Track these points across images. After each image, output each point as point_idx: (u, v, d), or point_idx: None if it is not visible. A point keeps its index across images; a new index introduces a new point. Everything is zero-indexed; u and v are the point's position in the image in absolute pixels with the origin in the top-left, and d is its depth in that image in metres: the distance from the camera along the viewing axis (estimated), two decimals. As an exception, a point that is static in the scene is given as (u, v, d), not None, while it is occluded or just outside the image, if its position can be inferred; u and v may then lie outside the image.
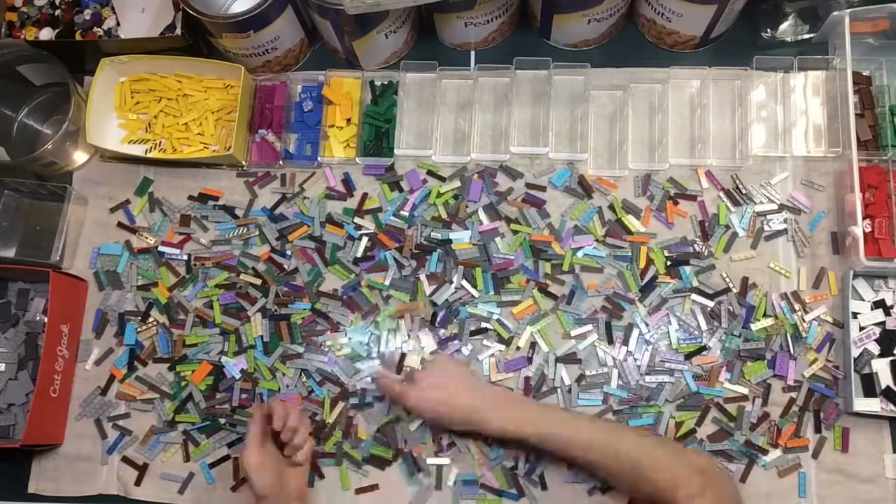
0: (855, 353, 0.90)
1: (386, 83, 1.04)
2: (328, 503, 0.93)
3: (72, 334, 0.98)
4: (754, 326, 0.93)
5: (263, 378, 0.96)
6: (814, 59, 0.99)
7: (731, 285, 0.94)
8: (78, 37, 1.02)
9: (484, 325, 0.94)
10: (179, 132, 1.04)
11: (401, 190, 1.01)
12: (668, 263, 0.95)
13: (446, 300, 0.95)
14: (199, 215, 1.02)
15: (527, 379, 0.93)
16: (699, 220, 0.97)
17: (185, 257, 1.01)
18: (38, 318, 0.99)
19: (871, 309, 0.92)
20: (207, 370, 0.96)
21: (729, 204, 0.97)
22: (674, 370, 0.92)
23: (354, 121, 1.02)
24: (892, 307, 0.91)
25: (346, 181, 1.02)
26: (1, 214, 1.03)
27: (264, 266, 0.99)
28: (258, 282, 0.99)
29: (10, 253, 1.03)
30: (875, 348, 0.91)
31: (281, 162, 1.02)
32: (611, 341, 0.93)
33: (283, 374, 0.96)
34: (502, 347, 0.94)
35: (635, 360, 0.93)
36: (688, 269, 0.95)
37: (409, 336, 0.95)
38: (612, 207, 0.98)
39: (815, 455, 0.89)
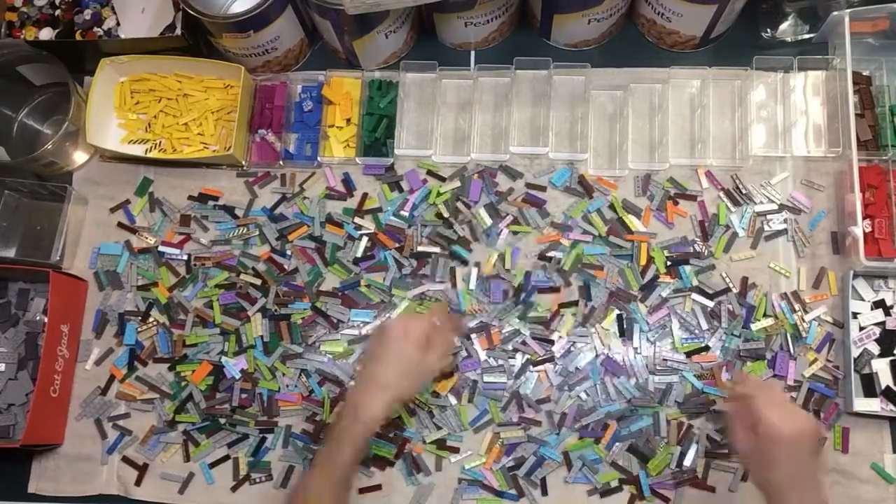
0: (855, 353, 0.90)
1: (386, 82, 1.04)
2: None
3: (72, 334, 0.98)
4: (754, 326, 0.93)
5: (263, 378, 0.96)
6: (814, 59, 0.99)
7: (731, 285, 0.94)
8: (78, 37, 1.02)
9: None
10: (179, 132, 1.04)
11: (401, 190, 1.01)
12: (669, 263, 0.95)
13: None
14: (199, 215, 1.02)
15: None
16: (699, 220, 0.97)
17: (185, 257, 1.01)
18: (38, 318, 0.99)
19: (871, 309, 0.92)
20: (207, 370, 0.96)
21: (729, 204, 0.97)
22: (678, 370, 0.92)
23: (354, 121, 1.02)
24: (892, 307, 0.91)
25: (346, 181, 1.02)
26: (1, 214, 1.03)
27: (264, 266, 0.99)
28: (258, 282, 0.99)
29: (10, 253, 1.03)
30: (875, 348, 0.91)
31: (281, 162, 1.02)
32: (622, 333, 0.94)
33: (283, 374, 0.96)
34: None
35: (644, 357, 0.93)
36: (688, 268, 0.95)
37: None
38: (612, 207, 0.98)
39: (815, 455, 0.89)
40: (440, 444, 0.92)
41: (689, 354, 0.92)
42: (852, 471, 0.89)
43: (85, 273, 1.02)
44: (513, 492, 0.90)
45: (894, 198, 0.93)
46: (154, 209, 1.04)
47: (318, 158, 1.02)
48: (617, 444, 0.90)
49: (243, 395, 0.95)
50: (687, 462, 0.89)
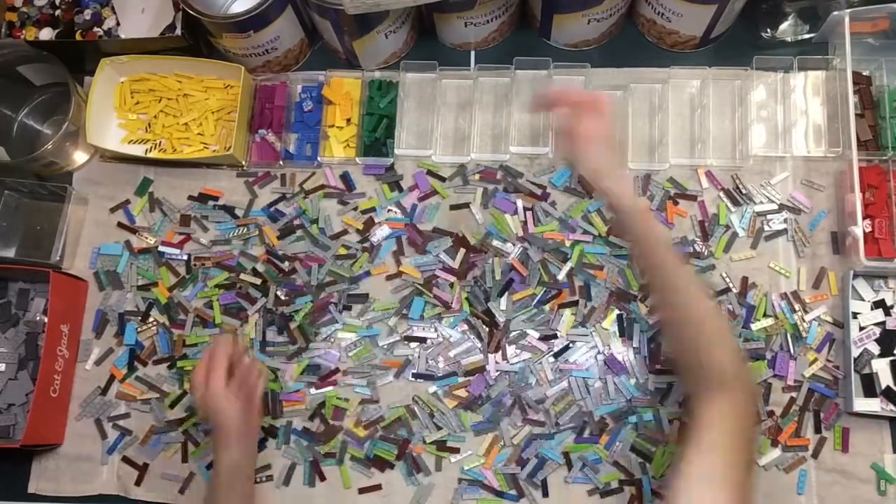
0: (855, 353, 0.90)
1: (386, 82, 1.04)
2: (329, 503, 0.93)
3: (72, 334, 0.98)
4: (754, 326, 0.93)
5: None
6: (814, 59, 0.99)
7: (731, 285, 0.94)
8: (78, 37, 1.02)
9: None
10: (179, 132, 1.04)
11: (400, 190, 1.01)
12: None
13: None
14: (199, 215, 1.02)
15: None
16: (699, 220, 0.97)
17: (185, 257, 1.01)
18: (38, 318, 0.99)
19: (871, 309, 0.92)
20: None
21: (729, 204, 0.97)
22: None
23: (354, 121, 1.02)
24: (892, 307, 0.91)
25: (347, 181, 1.02)
26: (1, 214, 1.03)
27: (264, 267, 0.99)
28: (258, 281, 0.99)
29: (10, 253, 1.03)
30: (875, 348, 0.91)
31: (281, 162, 1.02)
32: (622, 333, 0.94)
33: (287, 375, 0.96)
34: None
35: (644, 358, 0.93)
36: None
37: None
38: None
39: (815, 455, 0.89)
40: (440, 444, 0.92)
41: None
42: (852, 471, 0.89)
43: (85, 273, 1.02)
44: (513, 492, 0.90)
45: (894, 198, 0.93)
46: (154, 209, 1.04)
47: (318, 158, 1.02)
48: (618, 442, 0.90)
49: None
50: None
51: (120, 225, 1.03)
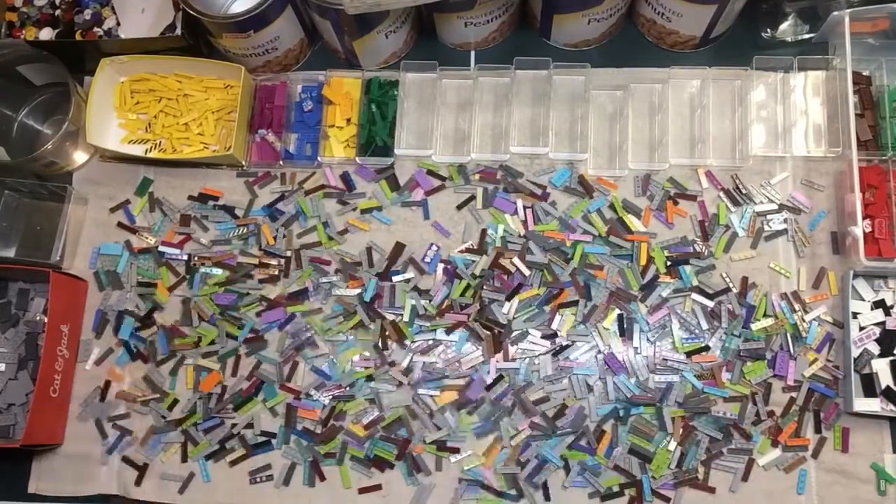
0: (855, 353, 0.90)
1: (386, 82, 1.04)
2: (329, 503, 0.93)
3: (72, 334, 0.98)
4: (754, 326, 0.93)
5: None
6: (814, 59, 0.99)
7: (731, 285, 0.94)
8: (78, 37, 1.02)
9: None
10: (179, 132, 1.04)
11: (400, 189, 1.01)
12: (669, 263, 0.95)
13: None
14: (199, 215, 1.02)
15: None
16: (699, 220, 0.97)
17: (185, 257, 1.01)
18: (38, 318, 0.99)
19: (871, 309, 0.92)
20: (217, 380, 0.96)
21: (729, 204, 0.97)
22: (678, 370, 0.92)
23: (354, 121, 1.02)
24: (892, 307, 0.91)
25: (347, 181, 1.02)
26: (1, 214, 1.03)
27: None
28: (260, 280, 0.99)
29: (10, 253, 1.03)
30: (875, 348, 0.91)
31: (281, 162, 1.02)
32: (622, 333, 0.94)
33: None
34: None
35: (644, 357, 0.93)
36: (688, 268, 0.95)
37: None
38: (612, 207, 0.98)
39: (815, 455, 0.89)
40: (440, 444, 0.92)
41: (689, 354, 0.92)
42: (852, 471, 0.89)
43: (85, 273, 1.02)
44: (513, 492, 0.90)
45: (894, 198, 0.93)
46: (154, 209, 1.04)
47: (318, 158, 1.02)
48: (618, 447, 0.90)
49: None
50: (687, 462, 0.89)
51: (120, 225, 1.03)
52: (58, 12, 1.04)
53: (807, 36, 1.01)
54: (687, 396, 0.91)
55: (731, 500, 0.89)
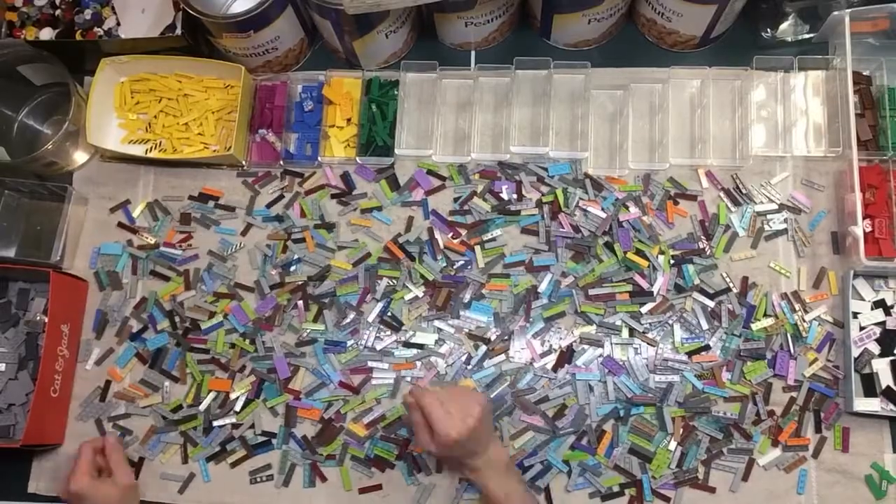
0: (855, 352, 0.90)
1: (386, 82, 1.04)
2: (329, 503, 0.93)
3: (72, 334, 0.98)
4: (754, 326, 0.93)
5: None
6: (814, 59, 0.99)
7: (731, 285, 0.94)
8: (78, 37, 1.02)
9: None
10: (179, 132, 1.04)
11: (400, 189, 1.01)
12: (672, 262, 0.95)
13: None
14: (198, 215, 1.02)
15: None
16: (699, 220, 0.97)
17: (190, 256, 1.01)
18: (38, 318, 0.99)
19: (872, 309, 0.92)
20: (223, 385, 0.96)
21: (729, 204, 0.97)
22: (678, 369, 0.92)
23: (354, 121, 1.02)
24: (892, 307, 0.91)
25: (347, 181, 1.02)
26: (1, 214, 1.03)
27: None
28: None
29: (10, 253, 1.03)
30: (875, 348, 0.91)
31: (281, 162, 1.02)
32: (631, 333, 0.94)
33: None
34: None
35: (644, 357, 0.93)
36: (691, 267, 0.95)
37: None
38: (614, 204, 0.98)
39: (816, 455, 0.89)
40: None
41: (689, 354, 0.92)
42: (852, 471, 0.89)
43: (85, 273, 1.02)
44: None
45: (894, 198, 0.93)
46: (154, 209, 1.04)
47: (319, 158, 1.02)
48: (619, 446, 0.90)
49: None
50: (687, 462, 0.89)
51: (120, 225, 1.03)
52: (58, 12, 1.04)
53: (807, 36, 1.01)
54: (687, 396, 0.91)
55: (731, 500, 0.89)
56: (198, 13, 0.93)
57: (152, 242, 1.02)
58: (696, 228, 0.97)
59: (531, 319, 0.95)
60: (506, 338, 0.94)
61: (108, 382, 0.98)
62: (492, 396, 0.93)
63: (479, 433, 0.77)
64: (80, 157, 1.06)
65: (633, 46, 1.04)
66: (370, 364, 0.95)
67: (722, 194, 0.98)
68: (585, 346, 0.94)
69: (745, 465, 0.89)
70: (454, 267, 0.97)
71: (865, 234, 0.91)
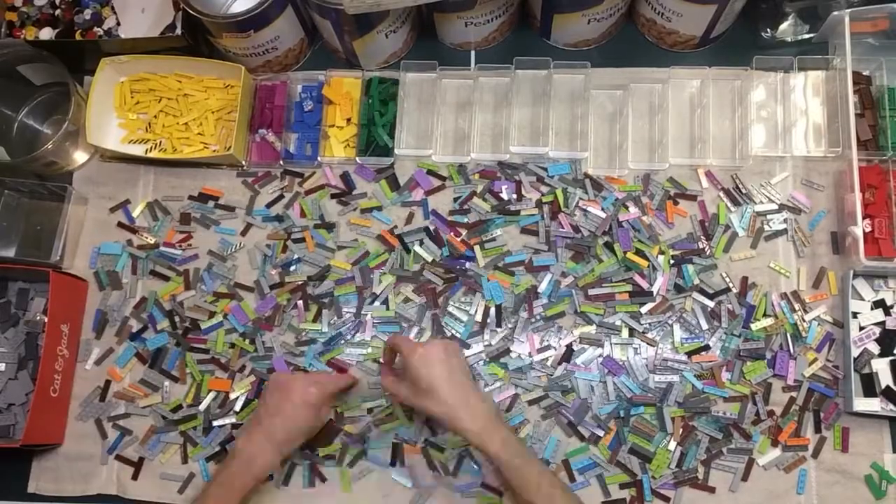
0: (855, 352, 0.90)
1: (386, 82, 1.04)
2: (329, 502, 0.93)
3: (72, 334, 0.98)
4: (754, 326, 0.93)
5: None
6: (814, 59, 0.99)
7: (731, 285, 0.94)
8: (78, 37, 1.02)
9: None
10: (179, 132, 1.04)
11: (400, 189, 1.01)
12: (672, 262, 0.95)
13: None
14: (198, 215, 1.02)
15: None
16: (699, 220, 0.97)
17: (192, 255, 1.01)
18: (38, 317, 0.99)
19: (871, 309, 0.92)
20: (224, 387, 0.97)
21: (729, 204, 0.97)
22: (678, 369, 0.92)
23: (354, 121, 1.02)
24: (892, 307, 0.91)
25: (347, 181, 1.02)
26: (1, 214, 1.03)
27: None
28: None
29: (10, 253, 1.03)
30: (875, 348, 0.91)
31: (281, 162, 1.02)
32: (631, 333, 0.94)
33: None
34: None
35: (644, 358, 0.93)
36: (691, 268, 0.95)
37: None
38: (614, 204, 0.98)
39: (815, 455, 0.89)
40: (440, 444, 0.92)
41: (689, 354, 0.92)
42: (852, 471, 0.89)
43: (85, 273, 1.02)
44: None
45: (894, 198, 0.93)
46: (154, 209, 1.04)
47: (319, 158, 1.02)
48: (621, 444, 0.90)
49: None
50: (687, 462, 0.89)
51: (120, 225, 1.03)
52: (58, 12, 1.04)
53: (807, 36, 1.01)
54: (687, 396, 0.91)
55: (731, 500, 0.89)
56: (198, 13, 0.93)
57: (152, 242, 1.02)
58: (696, 228, 0.97)
59: (535, 317, 0.95)
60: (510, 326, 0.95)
61: (107, 382, 0.98)
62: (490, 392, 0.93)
63: (454, 373, 0.78)
64: (79, 156, 1.06)
65: (633, 46, 1.04)
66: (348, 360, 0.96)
67: (722, 194, 0.98)
68: (585, 346, 0.94)
69: (745, 465, 0.89)
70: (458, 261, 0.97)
71: (865, 234, 0.91)
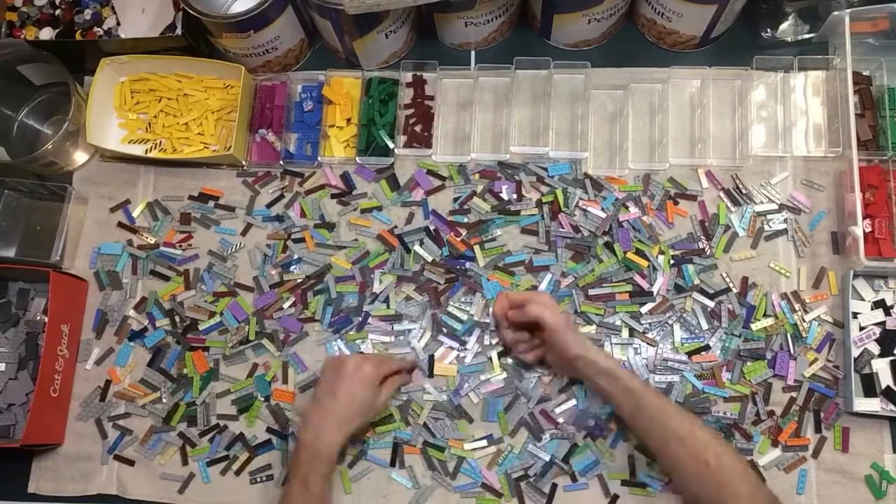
0: (855, 353, 0.90)
1: (386, 82, 1.04)
2: None
3: (72, 334, 0.98)
4: (754, 326, 0.93)
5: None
6: (814, 59, 0.99)
7: (731, 285, 0.94)
8: (78, 37, 1.02)
9: None
10: (179, 132, 1.04)
11: (400, 189, 1.01)
12: (672, 262, 0.95)
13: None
14: (198, 215, 1.02)
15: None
16: (699, 220, 0.97)
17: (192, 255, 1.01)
18: (38, 317, 0.99)
19: (872, 309, 0.92)
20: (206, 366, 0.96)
21: (729, 204, 0.97)
22: (678, 370, 0.92)
23: (354, 121, 1.02)
24: (892, 307, 0.91)
25: (347, 181, 1.02)
26: (1, 214, 1.03)
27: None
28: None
29: (10, 253, 1.03)
30: (875, 348, 0.91)
31: (281, 162, 1.02)
32: (631, 333, 0.94)
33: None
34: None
35: (644, 358, 0.93)
36: (691, 267, 0.95)
37: None
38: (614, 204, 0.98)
39: (816, 455, 0.89)
40: (436, 446, 0.92)
41: (689, 354, 0.92)
42: (852, 471, 0.89)
43: (85, 273, 1.02)
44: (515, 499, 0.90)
45: (894, 198, 0.93)
46: (154, 209, 1.04)
47: (319, 158, 1.02)
48: (622, 443, 0.90)
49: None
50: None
51: (120, 225, 1.03)
52: (58, 12, 1.04)
53: (807, 36, 1.01)
54: (687, 396, 0.91)
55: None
56: (198, 13, 0.93)
57: (152, 242, 1.02)
58: (696, 228, 0.97)
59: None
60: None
61: (107, 382, 0.98)
62: (492, 392, 0.93)
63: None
64: (80, 156, 1.06)
65: (633, 46, 1.04)
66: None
67: (722, 194, 0.98)
68: None
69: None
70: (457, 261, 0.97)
71: (865, 234, 0.91)
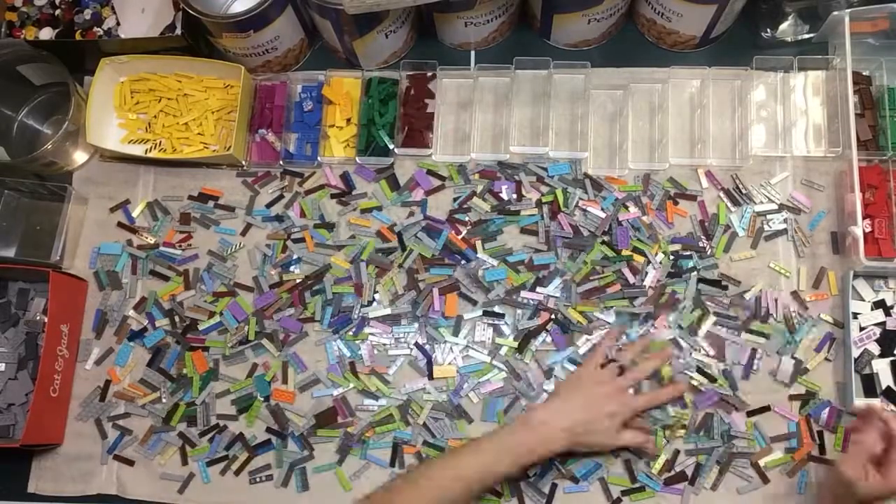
0: (855, 353, 0.90)
1: (386, 82, 1.04)
2: (329, 503, 0.93)
3: (72, 334, 0.98)
4: (754, 326, 0.93)
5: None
6: (814, 59, 0.99)
7: (730, 285, 0.94)
8: (78, 37, 1.02)
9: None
10: (179, 132, 1.04)
11: (400, 189, 1.01)
12: (673, 258, 0.95)
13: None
14: (198, 215, 1.02)
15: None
16: (699, 220, 0.97)
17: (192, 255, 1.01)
18: (38, 317, 0.99)
19: (872, 309, 0.92)
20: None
21: (729, 204, 0.97)
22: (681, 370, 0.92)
23: (354, 121, 1.02)
24: (892, 307, 0.91)
25: (347, 181, 1.02)
26: (1, 214, 1.03)
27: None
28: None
29: (10, 253, 1.03)
30: (875, 348, 0.90)
31: (281, 162, 1.02)
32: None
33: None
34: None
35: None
36: (690, 263, 0.95)
37: None
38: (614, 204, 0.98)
39: (816, 455, 0.89)
40: (438, 448, 0.92)
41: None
42: (852, 471, 0.89)
43: (85, 273, 1.02)
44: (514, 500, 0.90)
45: (894, 198, 0.93)
46: (154, 209, 1.04)
47: (318, 158, 1.02)
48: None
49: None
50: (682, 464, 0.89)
51: (120, 225, 1.03)
52: (58, 12, 1.04)
53: (807, 36, 1.01)
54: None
55: (731, 500, 0.89)
56: (198, 13, 0.93)
57: (152, 242, 1.02)
58: (696, 228, 0.97)
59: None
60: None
61: (107, 382, 0.98)
62: (492, 392, 0.93)
63: None
64: (79, 156, 1.06)
65: (633, 46, 1.04)
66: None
67: (722, 194, 0.98)
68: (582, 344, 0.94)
69: (750, 466, 0.89)
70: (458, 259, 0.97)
71: (865, 234, 0.91)
